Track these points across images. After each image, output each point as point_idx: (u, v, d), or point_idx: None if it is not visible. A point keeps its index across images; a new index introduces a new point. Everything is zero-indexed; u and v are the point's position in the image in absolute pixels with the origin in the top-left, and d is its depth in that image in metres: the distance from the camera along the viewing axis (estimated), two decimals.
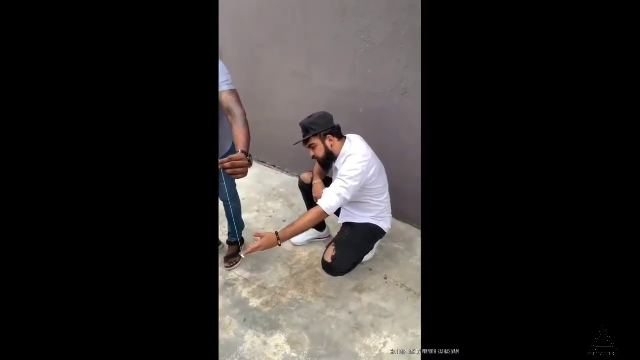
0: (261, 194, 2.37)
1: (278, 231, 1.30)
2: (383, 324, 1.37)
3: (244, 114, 1.12)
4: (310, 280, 1.61)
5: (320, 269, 1.58)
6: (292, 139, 1.58)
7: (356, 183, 1.35)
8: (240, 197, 1.76)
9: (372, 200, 1.51)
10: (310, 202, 1.70)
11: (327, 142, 1.44)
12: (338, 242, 1.52)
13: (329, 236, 1.87)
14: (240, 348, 1.32)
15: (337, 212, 1.61)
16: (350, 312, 1.43)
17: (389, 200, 1.57)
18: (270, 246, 1.28)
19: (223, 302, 1.53)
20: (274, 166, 2.73)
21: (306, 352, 1.28)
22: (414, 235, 1.85)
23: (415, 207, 1.82)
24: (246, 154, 0.97)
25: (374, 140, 1.57)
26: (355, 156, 1.39)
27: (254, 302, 1.52)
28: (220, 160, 0.89)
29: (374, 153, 1.48)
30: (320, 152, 1.46)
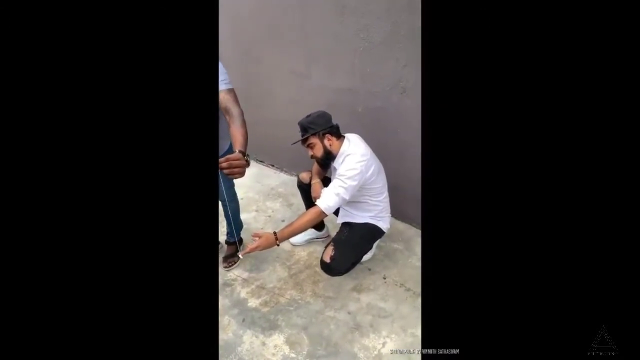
0: (260, 194, 2.36)
1: (276, 231, 1.30)
2: (382, 324, 1.36)
3: (242, 114, 1.11)
4: (309, 280, 1.61)
5: (319, 269, 1.57)
6: (291, 138, 1.58)
7: (355, 183, 1.35)
8: (239, 197, 1.75)
9: (371, 200, 1.51)
10: (309, 201, 1.70)
11: (326, 142, 1.44)
12: (337, 241, 1.51)
13: (328, 236, 1.86)
14: (239, 348, 1.31)
15: (336, 212, 1.60)
16: (349, 312, 1.43)
17: (387, 199, 1.57)
18: (268, 246, 1.28)
19: (222, 302, 1.52)
20: (273, 166, 2.73)
21: (305, 352, 1.28)
22: (413, 234, 1.85)
23: (414, 206, 1.82)
24: (243, 153, 0.96)
25: (372, 139, 1.56)
26: (354, 156, 1.39)
27: (253, 302, 1.51)
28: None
29: (372, 152, 1.47)
30: (318, 151, 1.45)
